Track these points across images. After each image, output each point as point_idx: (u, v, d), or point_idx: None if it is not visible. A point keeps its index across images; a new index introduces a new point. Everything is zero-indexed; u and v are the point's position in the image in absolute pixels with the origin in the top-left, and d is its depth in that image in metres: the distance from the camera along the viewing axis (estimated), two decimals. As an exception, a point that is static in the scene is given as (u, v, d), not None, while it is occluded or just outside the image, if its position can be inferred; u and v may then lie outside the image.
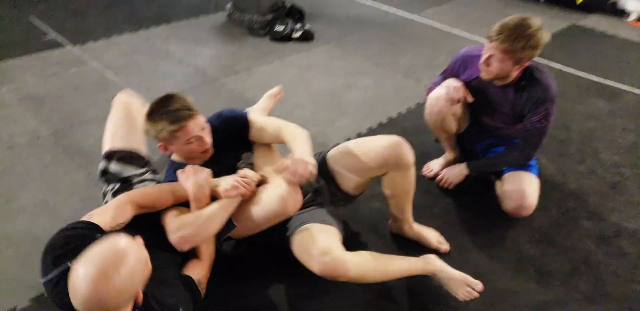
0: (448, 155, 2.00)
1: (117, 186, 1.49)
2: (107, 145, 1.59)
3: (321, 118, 2.40)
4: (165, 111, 1.31)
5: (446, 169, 1.92)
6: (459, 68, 1.74)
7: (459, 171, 1.86)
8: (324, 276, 1.26)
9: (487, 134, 1.89)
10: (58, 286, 1.05)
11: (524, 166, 1.78)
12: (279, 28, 3.17)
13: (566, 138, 2.31)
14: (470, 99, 1.70)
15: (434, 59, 3.05)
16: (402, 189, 1.51)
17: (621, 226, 1.80)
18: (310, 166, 1.26)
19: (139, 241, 1.00)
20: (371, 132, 2.29)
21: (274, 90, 2.10)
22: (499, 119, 1.77)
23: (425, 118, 1.85)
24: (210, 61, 2.90)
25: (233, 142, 1.50)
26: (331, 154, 1.53)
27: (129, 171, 1.53)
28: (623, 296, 1.53)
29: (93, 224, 1.16)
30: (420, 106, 2.52)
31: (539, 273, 1.59)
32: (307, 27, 3.20)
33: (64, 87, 2.53)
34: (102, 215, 1.20)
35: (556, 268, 1.61)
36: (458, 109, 1.77)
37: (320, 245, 1.29)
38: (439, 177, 1.93)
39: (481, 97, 1.71)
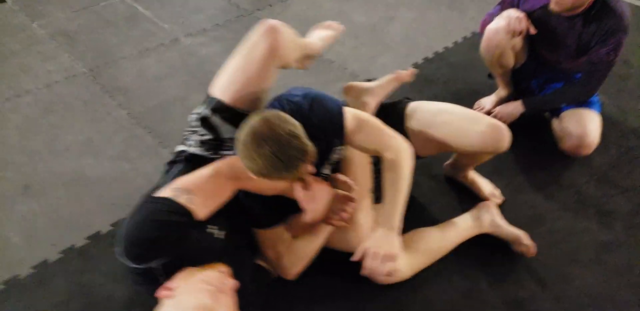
0: (501, 92, 1.89)
1: (209, 137, 1.23)
2: (223, 90, 1.23)
3: (362, 54, 2.27)
4: (279, 151, 0.96)
5: (500, 106, 1.81)
6: None
7: (514, 109, 1.76)
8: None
9: (545, 69, 1.76)
10: (142, 275, 1.03)
11: (584, 103, 1.67)
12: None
13: (626, 73, 2.15)
14: (533, 30, 1.55)
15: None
16: (483, 159, 1.44)
17: (685, 166, 1.72)
18: (386, 266, 1.09)
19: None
20: (417, 67, 2.17)
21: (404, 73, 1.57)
22: (561, 52, 1.63)
23: (482, 52, 1.72)
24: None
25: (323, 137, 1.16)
26: (412, 116, 1.36)
27: (228, 133, 1.22)
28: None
29: (187, 212, 0.99)
30: (468, 40, 2.37)
31: (599, 214, 1.54)
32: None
33: (95, 22, 2.44)
34: (201, 195, 1.02)
35: (617, 209, 1.56)
36: (518, 42, 1.63)
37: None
38: (492, 115, 1.83)
39: (544, 29, 1.56)
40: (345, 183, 1.21)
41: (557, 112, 1.73)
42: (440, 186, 1.62)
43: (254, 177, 1.00)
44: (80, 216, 1.52)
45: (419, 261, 1.31)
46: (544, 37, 1.59)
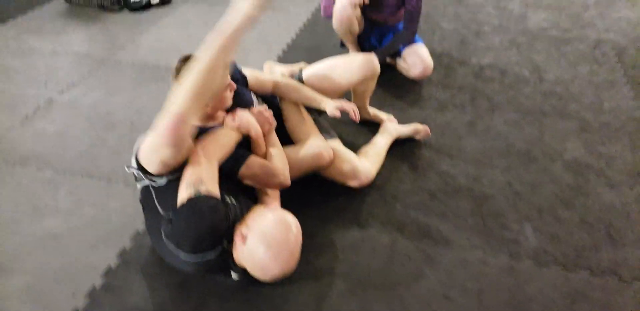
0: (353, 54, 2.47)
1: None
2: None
3: (266, 52, 2.64)
4: None
5: (359, 62, 2.39)
6: None
7: (370, 60, 2.35)
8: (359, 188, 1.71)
9: (377, 28, 2.39)
10: (214, 263, 1.17)
11: (412, 42, 2.34)
12: (134, -2, 3.16)
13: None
14: (367, 1, 2.14)
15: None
16: (369, 88, 1.92)
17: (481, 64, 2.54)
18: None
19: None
20: (282, 58, 2.63)
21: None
22: (385, 11, 2.27)
23: (335, 27, 2.27)
24: (87, 44, 2.82)
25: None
26: (307, 77, 1.77)
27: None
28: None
29: (213, 196, 1.16)
30: (304, 29, 2.92)
31: (449, 105, 2.23)
32: (161, -10, 3.25)
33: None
34: (208, 179, 1.19)
35: (454, 100, 2.27)
36: (358, 12, 2.21)
37: (350, 166, 1.66)
38: (355, 70, 2.40)
39: None
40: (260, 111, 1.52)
41: (398, 54, 2.37)
42: (351, 127, 2.11)
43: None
44: (69, 271, 1.51)
45: (374, 163, 1.79)
46: (373, 3, 2.19)
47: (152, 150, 1.22)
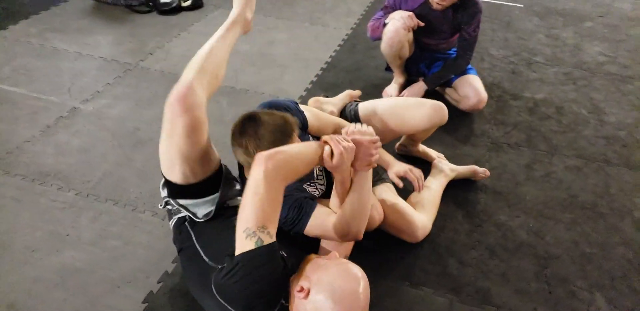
0: (399, 79, 2.30)
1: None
2: (169, 173, 1.22)
3: (268, 77, 2.47)
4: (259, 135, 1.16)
5: (407, 89, 2.22)
6: (400, 2, 2.00)
7: (419, 88, 2.19)
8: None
9: (427, 53, 2.22)
10: None
11: (465, 71, 2.17)
12: (165, 0, 2.99)
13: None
14: (421, 24, 1.97)
15: (325, 1, 3.25)
16: (429, 133, 1.76)
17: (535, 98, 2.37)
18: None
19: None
20: (320, 78, 2.46)
21: (355, 92, 1.91)
22: (438, 36, 2.10)
23: (385, 50, 2.09)
24: (114, 48, 2.66)
25: None
26: (366, 114, 1.62)
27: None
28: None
29: (273, 244, 0.99)
30: (344, 46, 2.75)
31: (513, 145, 2.05)
32: (194, -7, 3.08)
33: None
34: (270, 222, 1.00)
35: (514, 139, 2.10)
36: (410, 35, 2.04)
37: (406, 222, 1.51)
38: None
39: (425, 21, 2.01)
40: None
41: (449, 84, 2.20)
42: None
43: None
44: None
45: (430, 214, 1.63)
46: (426, 28, 2.02)
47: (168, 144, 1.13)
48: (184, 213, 1.26)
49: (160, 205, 1.35)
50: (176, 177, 1.18)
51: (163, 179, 1.28)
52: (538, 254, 1.60)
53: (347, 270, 1.01)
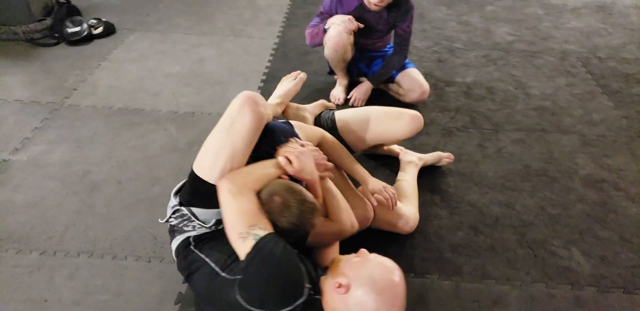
0: (344, 81, 2.36)
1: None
2: (210, 170, 1.18)
3: (210, 96, 2.40)
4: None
5: (355, 90, 2.29)
6: (335, 7, 2.05)
7: (366, 88, 2.26)
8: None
9: (365, 53, 2.30)
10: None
11: (404, 66, 2.28)
12: (73, 29, 2.77)
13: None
14: (361, 26, 2.04)
15: (242, 13, 3.22)
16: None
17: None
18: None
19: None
20: (264, 89, 2.44)
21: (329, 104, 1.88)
22: (375, 36, 2.19)
23: (329, 55, 2.14)
24: (28, 88, 2.41)
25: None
26: (344, 123, 1.63)
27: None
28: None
29: (274, 234, 1.05)
30: (275, 55, 2.75)
31: (470, 125, 2.21)
32: (104, 20, 2.89)
33: None
34: (259, 221, 1.07)
35: (460, 122, 2.26)
36: (352, 38, 2.10)
37: (397, 215, 1.57)
38: (351, 100, 2.29)
39: (362, 23, 2.07)
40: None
41: (391, 80, 2.30)
42: (368, 163, 2.00)
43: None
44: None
45: (414, 204, 1.70)
46: (363, 29, 2.09)
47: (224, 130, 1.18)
48: (189, 229, 1.21)
49: (163, 219, 1.28)
50: (213, 173, 1.16)
51: (178, 186, 1.30)
52: (514, 224, 1.75)
53: (382, 262, 1.07)
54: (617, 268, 1.59)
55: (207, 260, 1.16)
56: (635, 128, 2.26)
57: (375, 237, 1.61)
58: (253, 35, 2.98)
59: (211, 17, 3.19)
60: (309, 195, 1.15)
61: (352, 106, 2.26)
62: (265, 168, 1.20)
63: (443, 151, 2.01)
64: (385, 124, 1.62)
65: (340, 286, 1.01)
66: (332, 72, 2.39)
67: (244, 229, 1.04)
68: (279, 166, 1.21)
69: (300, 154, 1.22)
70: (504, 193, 1.88)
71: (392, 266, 1.07)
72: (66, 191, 1.82)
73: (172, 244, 1.26)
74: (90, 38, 2.83)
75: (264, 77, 2.55)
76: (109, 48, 2.79)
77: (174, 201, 1.25)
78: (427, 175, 1.91)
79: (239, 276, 1.04)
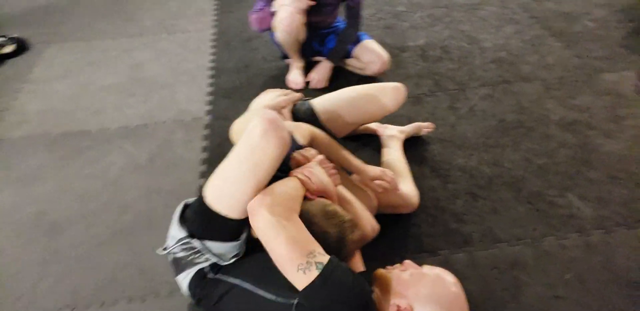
0: (298, 63, 2.22)
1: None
2: (232, 205, 1.06)
3: (159, 102, 2.19)
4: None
5: (314, 72, 2.16)
6: None
7: (325, 68, 2.14)
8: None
9: (316, 31, 2.16)
10: None
11: (359, 39, 2.17)
12: (-21, 52, 2.43)
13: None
14: (312, 3, 1.90)
15: (168, 7, 2.97)
16: None
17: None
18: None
19: None
20: (216, 85, 2.26)
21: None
22: (325, 12, 2.06)
23: (283, 38, 1.99)
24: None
25: None
26: (327, 109, 1.52)
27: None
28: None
29: (335, 258, 0.97)
30: (218, 47, 2.55)
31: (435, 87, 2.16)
32: (13, 36, 2.55)
33: None
34: (316, 247, 0.97)
35: (423, 88, 2.20)
36: (304, 18, 1.96)
37: (399, 196, 1.52)
38: (311, 82, 2.17)
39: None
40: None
41: (348, 55, 2.19)
42: (348, 145, 1.91)
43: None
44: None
45: (410, 179, 1.65)
46: (313, 6, 1.95)
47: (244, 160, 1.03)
48: (201, 261, 1.08)
49: (163, 250, 1.14)
50: (235, 209, 1.03)
51: (179, 211, 1.15)
52: (507, 182, 1.73)
53: (438, 275, 1.01)
54: (614, 206, 1.62)
55: (243, 283, 1.04)
56: (589, 65, 2.30)
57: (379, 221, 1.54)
58: (187, 29, 2.75)
59: (135, 16, 2.91)
60: (344, 214, 1.07)
61: (316, 90, 2.14)
62: (292, 188, 1.08)
63: (417, 119, 1.96)
64: (370, 102, 1.52)
65: (399, 309, 0.96)
66: (285, 57, 2.24)
67: (302, 259, 0.92)
68: (300, 185, 1.10)
69: (313, 169, 1.15)
70: (488, 151, 1.86)
71: (449, 277, 1.02)
72: (22, 239, 1.61)
73: (181, 278, 1.12)
74: (0, 59, 2.51)
75: (212, 73, 2.36)
76: (27, 67, 2.48)
77: (180, 231, 1.10)
78: (409, 148, 1.85)
79: (293, 302, 0.93)
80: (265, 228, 0.96)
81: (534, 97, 2.12)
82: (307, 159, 1.20)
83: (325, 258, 0.94)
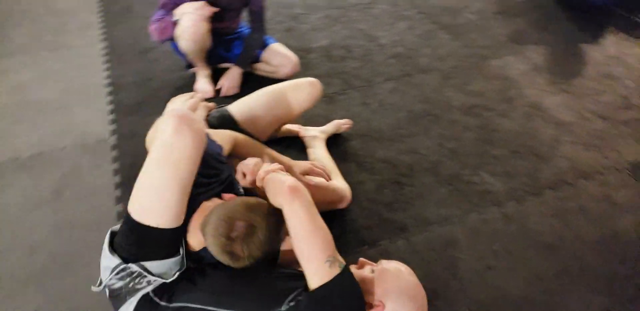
0: (205, 72, 2.15)
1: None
2: (160, 216, 0.99)
3: (54, 126, 1.98)
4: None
5: (224, 79, 2.11)
6: None
7: (234, 74, 2.09)
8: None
9: (221, 38, 2.10)
10: None
11: (265, 43, 2.15)
12: None
13: None
14: (215, 9, 1.85)
15: (45, 22, 2.70)
16: None
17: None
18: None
19: None
20: (116, 103, 2.10)
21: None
22: (229, 17, 2.02)
23: (188, 47, 1.93)
24: None
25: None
26: (245, 112, 1.48)
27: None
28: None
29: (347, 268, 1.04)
30: (112, 58, 2.37)
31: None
32: None
33: None
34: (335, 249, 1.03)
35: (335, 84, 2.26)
36: (208, 25, 1.89)
37: (332, 191, 1.55)
38: (222, 90, 2.10)
39: (214, 6, 1.88)
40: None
41: (257, 60, 2.16)
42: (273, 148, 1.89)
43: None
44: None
45: (339, 175, 1.68)
46: (217, 12, 1.90)
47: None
48: (143, 286, 0.99)
49: (99, 285, 1.03)
50: (164, 217, 0.97)
51: (108, 239, 1.04)
52: (426, 167, 1.84)
53: (397, 269, 1.08)
54: (520, 177, 1.80)
55: (194, 306, 0.97)
56: (476, 53, 2.53)
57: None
58: (72, 45, 2.51)
59: (5, 34, 2.59)
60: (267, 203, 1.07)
61: (228, 97, 2.08)
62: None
63: (334, 118, 2.00)
64: (288, 99, 1.52)
65: (373, 306, 1.01)
66: (190, 66, 2.15)
67: (332, 253, 0.98)
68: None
69: (276, 176, 1.12)
70: (403, 141, 1.96)
71: (404, 268, 1.09)
72: None
73: (123, 310, 1.01)
74: None
75: (109, 89, 2.19)
76: None
77: (113, 260, 0.99)
78: (332, 146, 1.88)
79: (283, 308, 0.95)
80: (308, 213, 0.99)
81: (434, 87, 2.27)
82: (254, 171, 1.16)
83: (342, 260, 1.01)
